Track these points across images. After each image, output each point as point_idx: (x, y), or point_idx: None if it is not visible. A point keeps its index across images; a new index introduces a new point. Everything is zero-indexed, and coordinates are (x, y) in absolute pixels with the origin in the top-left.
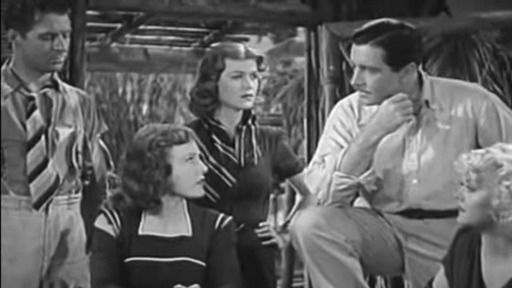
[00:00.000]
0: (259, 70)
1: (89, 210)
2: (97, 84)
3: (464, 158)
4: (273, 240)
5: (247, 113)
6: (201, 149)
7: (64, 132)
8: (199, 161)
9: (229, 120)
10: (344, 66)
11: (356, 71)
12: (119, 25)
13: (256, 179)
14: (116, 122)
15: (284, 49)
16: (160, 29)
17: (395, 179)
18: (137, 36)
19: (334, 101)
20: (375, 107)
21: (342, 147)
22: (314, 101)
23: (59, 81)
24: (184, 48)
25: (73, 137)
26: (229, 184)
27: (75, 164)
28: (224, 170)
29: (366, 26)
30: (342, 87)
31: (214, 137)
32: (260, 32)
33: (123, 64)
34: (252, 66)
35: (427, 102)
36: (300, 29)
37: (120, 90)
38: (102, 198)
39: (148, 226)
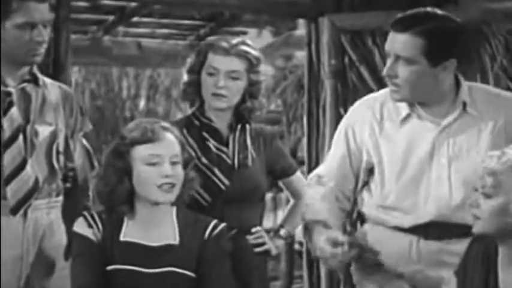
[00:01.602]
0: (250, 71)
1: (71, 215)
2: (92, 79)
3: (479, 162)
4: (266, 247)
5: (240, 111)
6: (191, 147)
7: (44, 131)
8: (167, 163)
9: (219, 118)
10: (346, 60)
11: (389, 61)
12: (111, 17)
13: (251, 181)
14: (111, 119)
15: (283, 43)
16: (155, 21)
17: (422, 187)
18: (130, 29)
19: (336, 97)
20: (403, 109)
21: (344, 165)
22: (314, 96)
23: (39, 75)
24: (180, 42)
25: (54, 135)
26: (222, 186)
27: (56, 165)
28: (216, 171)
29: (408, 13)
30: (344, 83)
31: (206, 135)
32: (259, 25)
33: (116, 58)
34: (231, 64)
35: (464, 105)
36: (301, 22)
37: (116, 86)
38: (85, 202)
39: (131, 232)
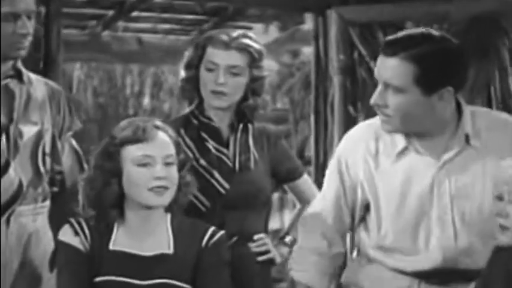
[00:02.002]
0: (252, 66)
1: (59, 222)
2: (94, 76)
3: (505, 166)
4: (270, 255)
5: (242, 109)
6: (189, 148)
7: (29, 131)
8: (159, 164)
9: (219, 117)
10: (356, 55)
11: (378, 88)
12: (110, 12)
13: (253, 185)
14: (114, 117)
15: (290, 38)
16: (155, 16)
17: (422, 228)
18: (130, 24)
19: (345, 94)
20: (400, 141)
21: (338, 203)
22: (322, 94)
23: (23, 70)
24: (182, 37)
25: (39, 136)
26: (222, 191)
27: (42, 168)
28: (216, 174)
29: (399, 34)
30: (353, 79)
31: (205, 135)
32: (264, 19)
33: (116, 54)
34: (232, 59)
35: (467, 137)
36: (308, 16)
37: (119, 83)
38: (74, 207)
39: (121, 240)
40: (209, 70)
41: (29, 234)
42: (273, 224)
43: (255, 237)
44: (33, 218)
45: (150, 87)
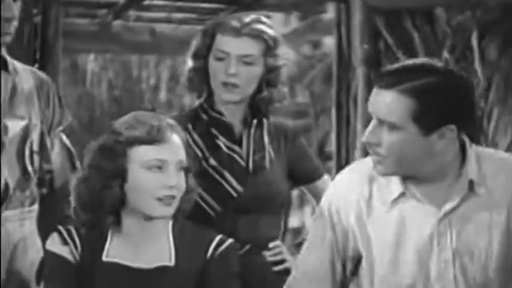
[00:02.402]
0: (267, 55)
1: (48, 227)
2: (109, 68)
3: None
4: (286, 265)
5: (256, 103)
6: (198, 146)
7: (15, 126)
8: (171, 171)
9: (231, 111)
10: (381, 45)
11: (371, 124)
12: (121, 0)
13: (268, 187)
14: (129, 111)
15: (310, 27)
16: (169, 4)
17: (419, 286)
18: (142, 13)
19: (369, 86)
20: (396, 185)
21: (327, 254)
22: (344, 86)
23: (8, 58)
24: (197, 27)
25: (26, 131)
26: (234, 193)
27: (30, 168)
28: (227, 175)
29: (396, 65)
30: (378, 71)
31: (215, 131)
32: (284, 8)
33: (127, 45)
34: (244, 47)
35: (471, 184)
36: (330, 4)
37: (135, 75)
38: (65, 211)
39: (116, 251)
40: (219, 60)
41: (16, 242)
42: (293, 222)
43: (271, 245)
44: (20, 223)
45: (167, 81)
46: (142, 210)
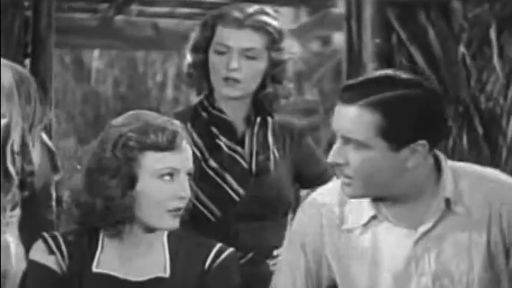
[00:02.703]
0: (271, 48)
1: (31, 234)
2: (115, 65)
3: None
4: None
5: (260, 100)
6: (197, 146)
7: None
8: (182, 180)
9: (233, 109)
10: (394, 39)
11: (336, 143)
12: None
13: (273, 190)
14: (135, 109)
15: (318, 22)
16: None
17: None
18: (145, 8)
19: None
20: (367, 208)
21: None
22: None
23: None
24: None
25: (7, 131)
26: (235, 197)
27: (12, 170)
28: (228, 178)
29: (361, 78)
30: (390, 66)
31: (216, 130)
32: (293, 2)
33: (129, 40)
34: (246, 40)
35: (447, 202)
36: None
37: (141, 73)
38: (47, 215)
39: (107, 261)
40: (220, 53)
41: None
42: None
43: (275, 252)
44: (2, 230)
45: (173, 78)
46: (147, 221)
